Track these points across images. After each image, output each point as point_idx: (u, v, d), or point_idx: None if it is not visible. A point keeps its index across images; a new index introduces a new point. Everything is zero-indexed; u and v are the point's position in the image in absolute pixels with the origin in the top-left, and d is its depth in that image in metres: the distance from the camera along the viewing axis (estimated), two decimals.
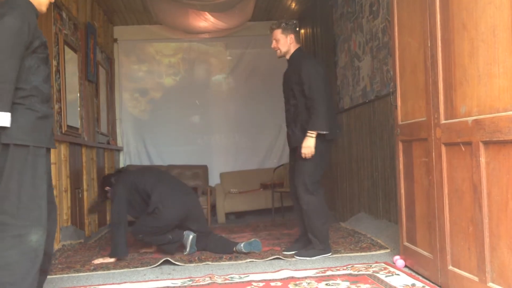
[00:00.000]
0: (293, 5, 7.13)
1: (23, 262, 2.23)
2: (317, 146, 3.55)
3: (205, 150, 7.60)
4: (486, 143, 2.18)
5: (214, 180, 7.35)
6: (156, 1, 6.07)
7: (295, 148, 3.72)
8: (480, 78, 2.22)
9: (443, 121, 2.55)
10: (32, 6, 2.45)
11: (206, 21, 6.67)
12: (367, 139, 5.18)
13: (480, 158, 2.21)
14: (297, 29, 3.90)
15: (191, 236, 3.97)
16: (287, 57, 3.82)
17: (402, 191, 3.19)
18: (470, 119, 2.28)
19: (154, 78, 7.74)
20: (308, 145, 3.52)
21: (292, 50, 3.79)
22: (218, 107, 7.71)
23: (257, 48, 7.82)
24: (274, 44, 3.80)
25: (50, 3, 2.59)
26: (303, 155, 3.55)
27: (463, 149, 2.36)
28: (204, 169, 7.30)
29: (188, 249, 3.96)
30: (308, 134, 3.53)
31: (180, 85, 7.73)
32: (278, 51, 3.80)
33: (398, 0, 3.16)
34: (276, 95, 7.68)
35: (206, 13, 6.42)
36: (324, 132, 3.54)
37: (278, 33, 3.77)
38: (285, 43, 3.76)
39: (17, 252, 2.22)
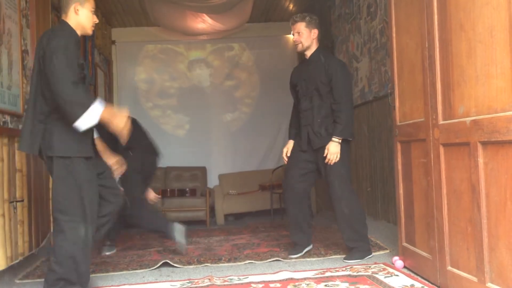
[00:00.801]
0: (291, 6, 7.13)
1: (73, 250, 2.69)
2: (345, 148, 3.54)
3: (203, 152, 7.60)
4: (484, 144, 2.18)
5: (213, 181, 7.34)
6: (154, 3, 6.07)
7: (316, 150, 3.60)
8: (478, 79, 2.22)
9: (441, 122, 2.55)
10: (74, 32, 2.80)
11: (204, 22, 6.67)
12: (365, 140, 5.18)
13: (479, 159, 2.22)
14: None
15: (182, 228, 3.94)
16: (307, 53, 3.67)
17: (401, 191, 3.20)
18: (468, 119, 2.29)
19: (152, 80, 7.74)
20: (336, 151, 3.46)
21: (314, 46, 3.65)
22: (216, 108, 7.71)
23: (255, 49, 7.83)
24: (296, 37, 3.63)
25: (95, 24, 2.90)
26: (328, 160, 3.48)
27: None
28: (202, 171, 7.30)
29: (182, 241, 3.95)
30: (334, 139, 3.46)
31: (178, 86, 7.73)
32: (300, 45, 3.62)
33: (395, 1, 3.17)
34: (275, 96, 7.76)
35: (204, 14, 6.42)
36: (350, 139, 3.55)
37: (301, 26, 3.60)
38: (309, 37, 3.61)
39: (69, 242, 2.69)
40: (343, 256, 3.63)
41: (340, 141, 3.47)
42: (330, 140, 3.50)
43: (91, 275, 3.42)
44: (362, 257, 3.50)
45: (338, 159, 3.47)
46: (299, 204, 3.73)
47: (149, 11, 6.46)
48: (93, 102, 2.59)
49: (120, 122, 2.66)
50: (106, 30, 7.19)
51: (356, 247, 3.53)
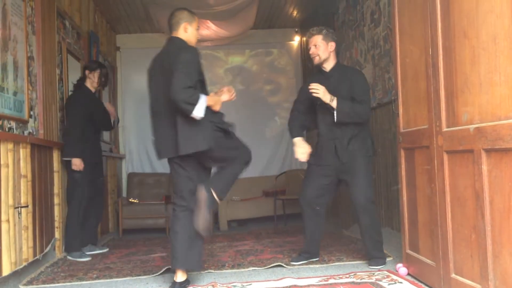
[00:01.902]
0: (295, 13, 7.16)
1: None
2: (368, 162, 3.54)
3: None
4: (488, 151, 2.19)
5: None
6: (159, 9, 6.10)
7: (342, 163, 3.55)
8: (482, 86, 2.23)
9: (445, 129, 2.56)
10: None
11: (208, 29, 6.70)
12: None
13: (482, 166, 2.21)
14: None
15: None
16: (326, 66, 3.64)
17: (405, 198, 3.19)
18: (472, 127, 2.29)
19: None
20: (324, 94, 3.41)
21: (332, 59, 3.63)
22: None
23: (259, 56, 7.85)
24: (313, 50, 3.61)
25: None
26: (314, 91, 3.42)
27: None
28: None
29: None
30: (334, 101, 3.41)
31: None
32: (317, 57, 3.61)
33: (399, 8, 3.18)
34: (278, 102, 7.78)
35: (208, 21, 6.45)
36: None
37: (318, 39, 3.59)
38: (326, 50, 3.59)
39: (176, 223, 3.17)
40: (347, 263, 3.64)
41: (334, 103, 3.41)
42: (360, 154, 3.51)
43: (94, 282, 3.44)
44: (384, 263, 3.51)
45: (321, 94, 3.42)
46: (318, 220, 3.72)
47: (154, 18, 6.49)
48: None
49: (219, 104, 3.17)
50: (110, 36, 7.23)
51: (377, 255, 3.53)
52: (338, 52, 3.84)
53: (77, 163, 4.30)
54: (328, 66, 3.66)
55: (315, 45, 3.60)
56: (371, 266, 3.48)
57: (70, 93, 4.72)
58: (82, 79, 4.62)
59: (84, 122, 4.39)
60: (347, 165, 3.55)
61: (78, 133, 4.33)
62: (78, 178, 4.35)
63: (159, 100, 3.14)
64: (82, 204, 4.38)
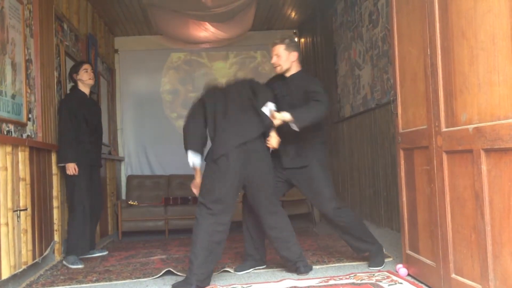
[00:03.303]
0: (293, 14, 7.16)
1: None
2: (324, 165, 3.52)
3: None
4: (487, 151, 2.19)
5: None
6: (157, 12, 6.10)
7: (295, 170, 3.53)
8: (480, 86, 2.23)
9: (444, 129, 2.56)
10: None
11: (206, 31, 6.70)
12: (368, 147, 5.18)
13: (482, 166, 2.21)
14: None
15: None
16: (287, 75, 3.57)
17: (404, 199, 3.19)
18: (471, 127, 2.29)
19: (154, 88, 7.77)
20: (276, 141, 3.40)
21: (295, 68, 3.57)
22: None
23: (257, 57, 7.85)
24: (275, 59, 3.57)
25: None
26: (271, 145, 3.39)
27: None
28: None
29: None
30: (286, 114, 3.28)
31: (180, 94, 7.76)
32: (279, 67, 3.56)
33: (397, 9, 3.18)
34: None
35: (207, 23, 6.45)
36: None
37: (280, 48, 3.54)
38: (287, 59, 3.53)
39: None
40: (347, 264, 3.63)
41: (287, 116, 3.29)
42: (314, 161, 3.47)
43: (94, 284, 3.44)
44: (382, 262, 3.47)
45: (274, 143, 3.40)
46: (254, 216, 3.61)
47: (152, 20, 6.50)
48: None
49: None
50: (109, 38, 7.23)
51: (370, 250, 3.51)
52: (301, 61, 3.77)
53: (70, 167, 4.24)
54: (289, 74, 3.59)
55: (277, 55, 3.55)
56: (371, 267, 3.47)
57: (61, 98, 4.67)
58: (74, 86, 4.56)
59: (77, 125, 4.32)
60: (301, 173, 3.51)
61: (71, 137, 4.26)
62: (76, 182, 4.31)
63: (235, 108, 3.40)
64: (85, 207, 4.33)
